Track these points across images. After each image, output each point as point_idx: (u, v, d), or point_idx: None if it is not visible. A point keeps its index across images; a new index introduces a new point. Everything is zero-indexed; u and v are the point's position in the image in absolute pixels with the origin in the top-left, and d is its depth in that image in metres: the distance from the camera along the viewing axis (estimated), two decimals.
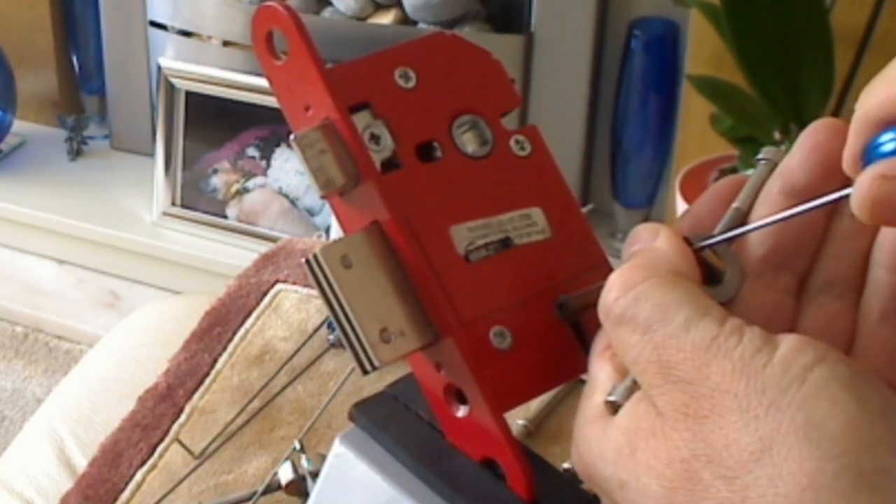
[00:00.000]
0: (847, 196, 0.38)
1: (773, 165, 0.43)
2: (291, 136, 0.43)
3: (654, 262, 0.41)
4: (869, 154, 0.36)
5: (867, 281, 0.42)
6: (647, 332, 0.38)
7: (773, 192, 0.42)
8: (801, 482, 0.34)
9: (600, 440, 0.40)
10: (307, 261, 0.42)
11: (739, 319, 0.38)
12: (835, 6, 1.42)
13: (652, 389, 0.38)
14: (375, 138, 0.43)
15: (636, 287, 0.39)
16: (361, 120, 0.43)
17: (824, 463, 0.34)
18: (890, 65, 0.36)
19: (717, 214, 0.43)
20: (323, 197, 0.43)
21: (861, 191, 0.36)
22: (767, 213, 0.42)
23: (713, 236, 0.42)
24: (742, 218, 0.43)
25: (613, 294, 0.40)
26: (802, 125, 1.37)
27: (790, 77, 1.34)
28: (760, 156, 0.43)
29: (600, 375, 0.42)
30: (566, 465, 0.64)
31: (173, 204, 1.98)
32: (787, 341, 0.37)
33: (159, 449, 0.77)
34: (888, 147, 0.36)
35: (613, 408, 0.40)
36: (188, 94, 1.94)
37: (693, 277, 0.41)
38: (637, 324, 0.39)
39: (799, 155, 0.41)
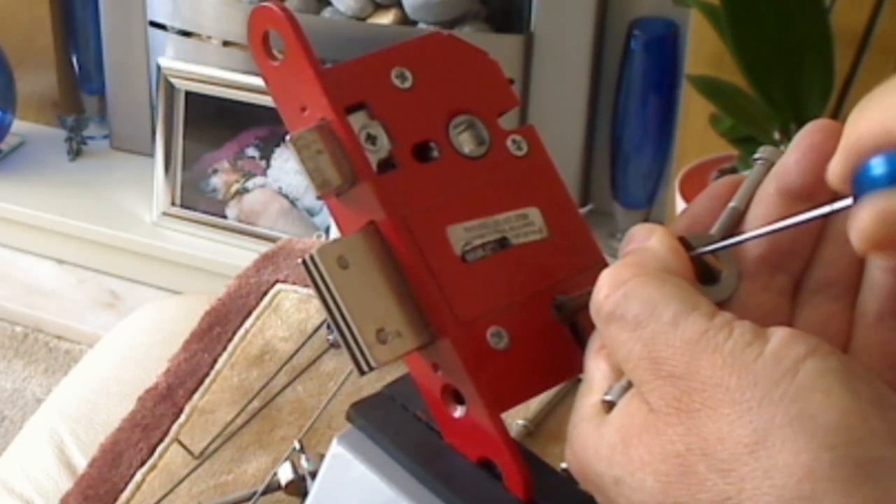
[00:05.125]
0: (841, 209, 0.38)
1: (769, 165, 0.43)
2: (288, 137, 0.43)
3: (644, 259, 0.41)
4: (861, 178, 0.37)
5: (863, 282, 0.42)
6: (637, 329, 0.39)
7: (769, 193, 0.42)
8: (796, 473, 0.35)
9: (594, 438, 0.40)
10: (304, 261, 0.42)
11: (730, 314, 0.38)
12: (835, 6, 1.42)
13: (643, 386, 0.38)
14: (372, 139, 0.43)
15: (625, 284, 0.39)
16: (358, 120, 0.43)
17: (820, 454, 0.35)
18: (885, 89, 0.36)
19: (714, 214, 0.43)
20: (319, 197, 0.43)
21: (863, 232, 0.36)
22: (763, 214, 0.42)
23: (711, 236, 0.42)
24: (739, 218, 0.43)
25: (604, 292, 0.40)
26: (802, 125, 1.36)
27: (790, 77, 1.34)
28: (757, 155, 0.43)
29: (596, 374, 0.42)
30: (564, 465, 0.64)
31: (173, 204, 1.98)
32: (778, 334, 0.37)
33: (159, 449, 0.77)
34: (878, 170, 0.36)
35: (609, 406, 0.40)
36: (188, 94, 1.94)
37: (684, 275, 0.41)
38: (626, 321, 0.39)
39: (794, 155, 0.41)
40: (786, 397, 0.35)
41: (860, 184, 0.36)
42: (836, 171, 0.38)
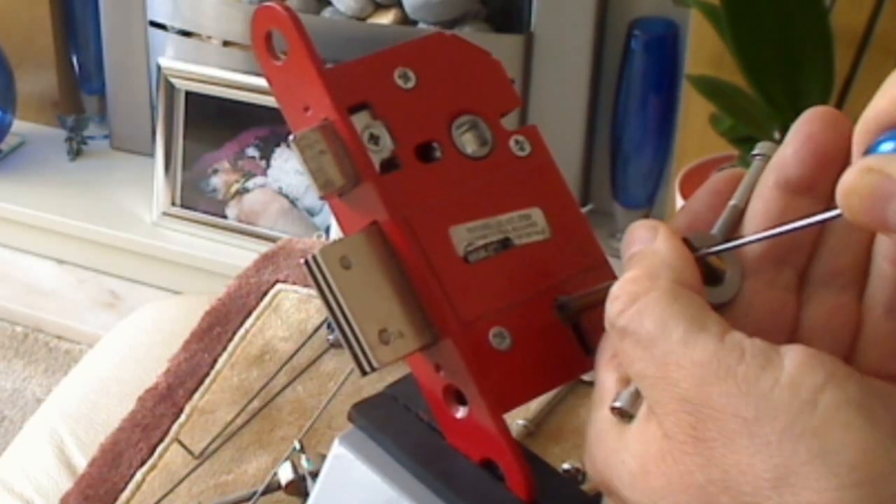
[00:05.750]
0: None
1: (768, 160, 0.42)
2: (290, 137, 0.43)
3: (657, 270, 0.40)
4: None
5: (871, 274, 0.41)
6: (649, 348, 0.38)
7: (769, 186, 0.41)
8: None
9: (614, 459, 0.39)
10: (306, 261, 0.42)
11: (740, 334, 0.37)
12: (835, 6, 1.42)
13: (658, 408, 0.38)
14: (375, 139, 0.43)
15: (639, 300, 0.39)
16: (361, 120, 0.43)
17: (844, 492, 0.34)
18: (889, 80, 0.36)
19: (713, 209, 0.43)
20: (322, 198, 0.43)
21: (845, 182, 0.35)
22: (763, 208, 0.41)
23: (713, 237, 0.42)
24: (739, 216, 0.42)
25: (618, 306, 0.39)
26: None
27: (790, 77, 1.34)
28: (755, 151, 0.43)
29: (607, 384, 0.41)
30: (566, 466, 0.64)
31: (173, 204, 1.98)
32: (793, 357, 0.36)
33: (159, 449, 0.77)
34: (885, 147, 0.35)
35: (621, 414, 0.40)
36: (188, 94, 1.94)
37: (695, 282, 0.40)
38: (640, 338, 0.38)
39: (792, 146, 0.41)
40: (806, 432, 0.35)
41: None
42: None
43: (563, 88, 1.79)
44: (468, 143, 0.45)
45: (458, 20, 1.80)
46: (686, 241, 0.42)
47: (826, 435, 0.35)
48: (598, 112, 1.83)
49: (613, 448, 0.39)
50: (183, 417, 0.79)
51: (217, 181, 1.96)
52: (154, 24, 1.97)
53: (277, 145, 1.92)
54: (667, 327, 0.38)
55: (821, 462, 0.34)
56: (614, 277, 0.41)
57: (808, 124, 0.41)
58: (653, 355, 0.38)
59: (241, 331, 0.86)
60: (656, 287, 0.39)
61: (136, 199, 2.02)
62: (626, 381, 0.40)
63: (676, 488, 0.37)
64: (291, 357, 0.83)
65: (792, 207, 0.41)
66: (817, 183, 0.40)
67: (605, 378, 0.41)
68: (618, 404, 0.40)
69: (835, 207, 0.37)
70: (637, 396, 0.39)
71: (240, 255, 1.80)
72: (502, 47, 1.75)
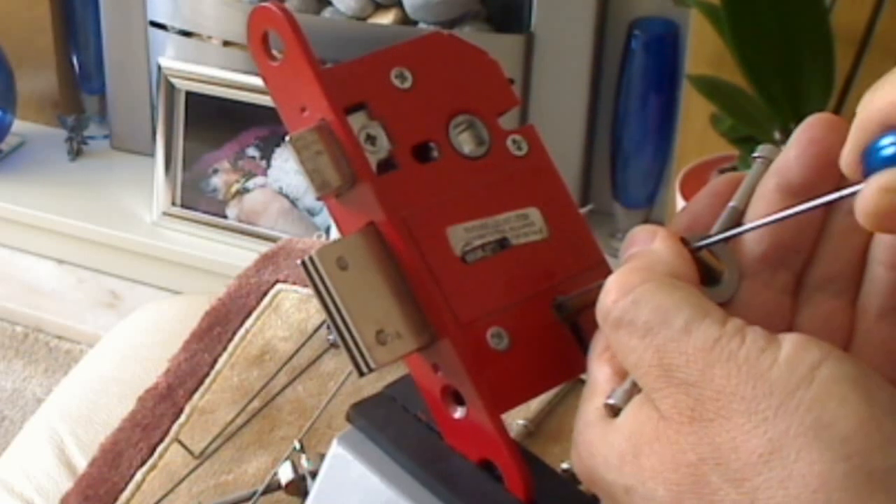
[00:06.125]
0: (844, 197, 0.38)
1: (769, 163, 0.42)
2: (287, 138, 0.43)
3: (652, 264, 0.40)
4: (869, 157, 0.36)
5: (865, 278, 0.42)
6: (648, 336, 0.38)
7: (769, 189, 0.42)
8: (811, 484, 0.34)
9: (602, 445, 0.40)
10: (303, 262, 0.42)
11: (740, 320, 0.38)
12: (835, 6, 1.42)
13: (654, 393, 0.38)
14: (371, 139, 0.43)
15: (634, 290, 0.39)
16: (357, 121, 0.43)
17: (835, 464, 0.34)
18: (894, 70, 0.36)
19: (714, 212, 0.43)
20: (319, 198, 0.43)
21: (866, 204, 0.35)
22: (763, 211, 0.42)
23: (710, 236, 0.42)
24: (739, 217, 0.42)
25: (612, 297, 0.39)
26: None
27: (790, 77, 1.34)
28: (756, 154, 0.43)
29: (599, 377, 0.41)
30: (564, 466, 0.64)
31: (173, 204, 1.98)
32: (791, 340, 0.37)
33: (159, 449, 0.77)
34: (888, 151, 0.35)
35: (613, 411, 0.40)
36: (188, 94, 1.94)
37: (691, 279, 0.40)
38: (636, 327, 0.38)
39: (794, 151, 0.41)
40: (801, 406, 0.35)
41: (870, 164, 0.36)
42: (846, 158, 0.37)
43: (563, 88, 1.79)
44: (465, 143, 0.45)
45: (458, 20, 1.80)
46: (683, 241, 0.42)
47: (821, 408, 0.35)
48: (598, 112, 1.83)
49: (601, 432, 0.40)
50: (183, 417, 0.79)
51: (217, 181, 1.96)
52: (154, 24, 1.97)
53: (277, 145, 1.92)
54: (667, 315, 0.38)
55: (815, 434, 0.35)
56: None
57: (811, 129, 0.41)
58: (651, 343, 0.38)
59: (241, 331, 0.86)
60: (651, 278, 0.39)
61: (136, 199, 2.02)
62: (618, 375, 0.41)
63: (668, 467, 0.37)
64: (291, 357, 0.83)
65: (794, 204, 0.41)
66: (818, 187, 0.41)
67: (598, 372, 0.41)
68: (611, 401, 0.40)
69: (833, 191, 0.38)
70: (630, 393, 0.40)
71: (240, 255, 1.80)
72: (502, 47, 1.75)
